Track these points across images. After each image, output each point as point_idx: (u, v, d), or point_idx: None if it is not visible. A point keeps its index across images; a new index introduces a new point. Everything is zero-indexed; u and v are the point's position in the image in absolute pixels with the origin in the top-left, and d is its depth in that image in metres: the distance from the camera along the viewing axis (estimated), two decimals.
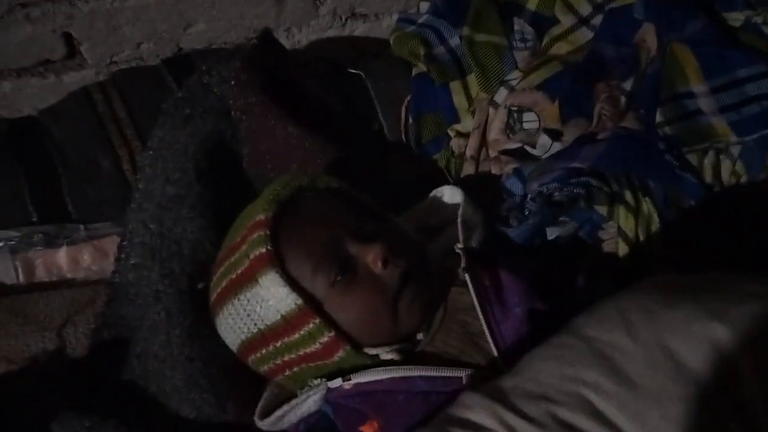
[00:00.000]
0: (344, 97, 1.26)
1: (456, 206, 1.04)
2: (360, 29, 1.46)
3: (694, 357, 0.76)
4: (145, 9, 1.30)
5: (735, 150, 1.12)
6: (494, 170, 1.19)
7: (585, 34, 1.26)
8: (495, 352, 0.90)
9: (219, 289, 0.95)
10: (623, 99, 1.17)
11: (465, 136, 1.24)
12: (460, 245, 0.98)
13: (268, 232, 0.90)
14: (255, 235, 0.90)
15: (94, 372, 1.02)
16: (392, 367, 0.89)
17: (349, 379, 0.89)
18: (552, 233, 1.10)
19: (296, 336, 0.89)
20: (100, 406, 0.97)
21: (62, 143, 1.19)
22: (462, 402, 0.82)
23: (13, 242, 1.10)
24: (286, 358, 0.91)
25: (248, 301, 0.90)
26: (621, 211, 1.08)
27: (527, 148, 1.19)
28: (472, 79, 1.27)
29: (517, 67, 1.26)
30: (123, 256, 1.06)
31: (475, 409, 0.80)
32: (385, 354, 0.90)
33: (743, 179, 1.11)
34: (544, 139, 1.17)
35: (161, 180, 1.08)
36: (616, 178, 1.09)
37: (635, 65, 1.19)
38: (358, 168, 1.13)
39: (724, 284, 0.86)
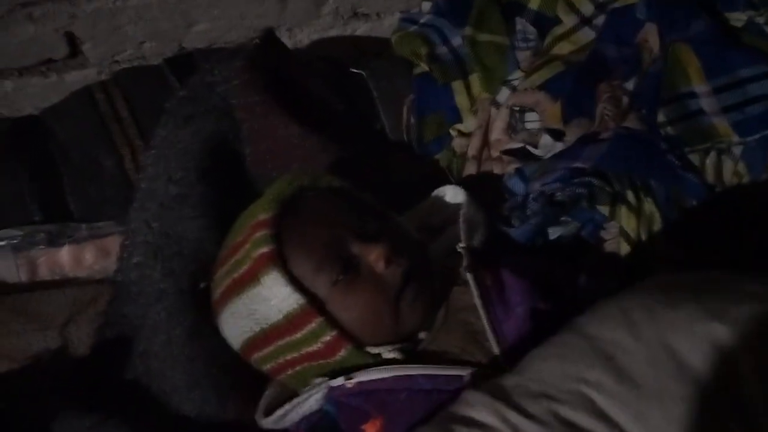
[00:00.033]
0: (346, 97, 1.26)
1: (458, 206, 1.05)
2: (362, 29, 1.46)
3: (695, 356, 0.76)
4: (148, 8, 1.30)
5: (737, 150, 1.12)
6: (496, 170, 1.19)
7: (587, 34, 1.26)
8: (497, 351, 0.90)
9: (221, 289, 0.95)
10: (625, 99, 1.17)
11: (467, 135, 1.25)
12: (462, 245, 0.98)
13: (271, 232, 0.90)
14: (257, 235, 0.90)
15: (97, 371, 1.02)
16: (394, 366, 0.89)
17: (352, 378, 0.89)
18: (554, 233, 1.10)
19: (298, 335, 0.89)
20: (102, 405, 0.97)
21: (64, 142, 1.19)
22: (464, 400, 0.82)
23: (15, 241, 1.10)
24: (288, 357, 0.91)
25: (251, 300, 0.90)
26: (623, 211, 1.08)
27: (529, 148, 1.19)
28: (475, 78, 1.27)
29: (519, 67, 1.26)
30: (125, 255, 1.06)
31: (478, 407, 0.80)
32: (388, 353, 0.91)
33: (745, 179, 1.11)
34: (546, 139, 1.17)
35: (164, 179, 1.08)
36: (618, 178, 1.09)
37: (637, 65, 1.19)
38: (360, 167, 1.13)
39: (725, 284, 0.86)
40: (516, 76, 1.25)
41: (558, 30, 1.28)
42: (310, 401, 0.91)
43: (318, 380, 0.91)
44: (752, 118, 1.12)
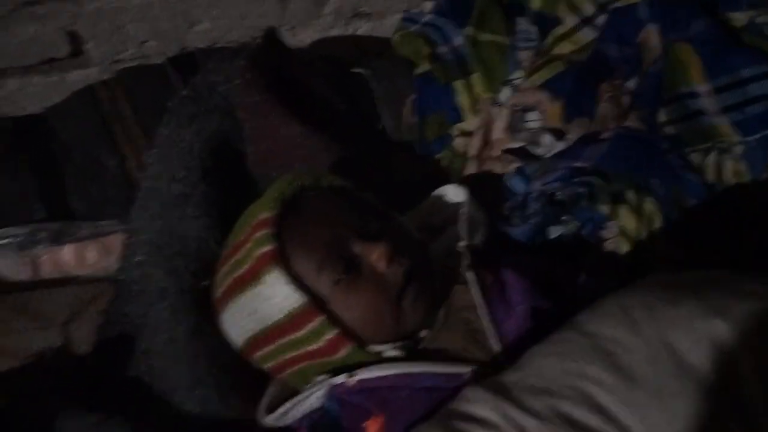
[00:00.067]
0: (348, 96, 1.27)
1: (459, 205, 1.05)
2: (363, 28, 1.46)
3: (695, 354, 0.77)
4: (150, 7, 1.31)
5: (737, 150, 1.12)
6: (497, 170, 1.19)
7: (588, 34, 1.26)
8: (497, 350, 0.91)
9: (223, 287, 0.95)
10: (626, 99, 1.17)
11: (468, 135, 1.25)
12: (463, 244, 0.99)
13: (272, 231, 0.90)
14: (259, 234, 0.91)
15: (98, 369, 1.02)
16: (396, 364, 0.90)
17: (353, 376, 0.89)
18: (554, 232, 1.10)
19: (300, 334, 0.89)
20: (103, 404, 0.97)
21: (67, 141, 1.20)
22: (465, 396, 0.83)
23: (19, 239, 1.10)
24: (290, 356, 0.91)
25: (253, 298, 0.91)
26: (623, 211, 1.08)
27: (530, 147, 1.19)
28: (476, 78, 1.27)
29: (520, 67, 1.26)
30: (128, 253, 1.06)
31: (479, 404, 0.80)
32: (389, 351, 0.91)
33: (745, 179, 1.11)
34: (547, 139, 1.18)
35: (166, 178, 1.08)
36: (619, 178, 1.09)
37: (638, 65, 1.19)
38: (361, 167, 1.13)
39: (725, 283, 0.86)
40: (517, 76, 1.25)
41: (559, 30, 1.28)
42: (312, 399, 0.92)
43: (319, 378, 0.91)
44: (753, 118, 1.12)
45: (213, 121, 1.14)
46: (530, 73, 1.24)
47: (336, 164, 1.12)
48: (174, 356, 0.98)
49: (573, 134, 1.17)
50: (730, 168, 1.12)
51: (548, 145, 1.18)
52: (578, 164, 1.10)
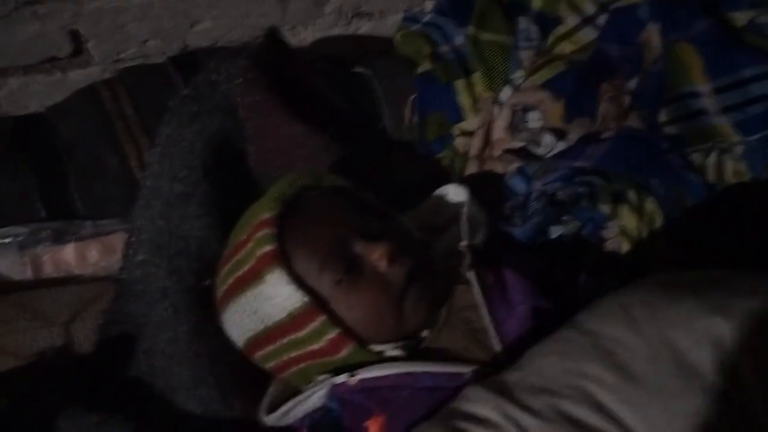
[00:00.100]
0: (349, 96, 1.27)
1: (460, 205, 1.05)
2: (365, 27, 1.46)
3: (695, 353, 0.77)
4: (151, 6, 1.30)
5: (738, 150, 1.12)
6: (498, 169, 1.20)
7: (589, 34, 1.26)
8: (498, 350, 0.91)
9: (225, 287, 0.95)
10: (627, 99, 1.17)
11: (469, 134, 1.25)
12: (464, 243, 0.99)
13: (274, 230, 0.90)
14: (261, 233, 0.91)
15: (101, 368, 1.02)
16: (397, 363, 0.90)
17: (354, 375, 0.89)
18: (555, 232, 1.10)
19: (302, 333, 0.89)
20: (105, 403, 0.97)
21: (69, 140, 1.20)
22: (466, 396, 0.83)
23: (21, 238, 1.10)
24: (291, 355, 0.92)
25: (254, 298, 0.91)
26: (624, 210, 1.08)
27: (531, 147, 1.19)
28: (477, 78, 1.27)
29: (521, 67, 1.26)
30: (130, 252, 1.07)
31: (479, 403, 0.80)
32: (390, 351, 0.91)
33: (746, 179, 1.11)
34: (548, 139, 1.18)
35: (168, 177, 1.08)
36: (620, 178, 1.09)
37: (639, 65, 1.19)
38: (362, 166, 1.13)
39: (725, 282, 0.86)
40: (518, 76, 1.25)
41: (560, 29, 1.28)
42: (313, 398, 0.92)
43: (321, 377, 0.91)
44: (753, 118, 1.12)
45: (214, 120, 1.14)
46: (531, 72, 1.24)
47: (337, 164, 1.12)
48: (175, 356, 0.99)
49: (574, 134, 1.17)
50: (731, 168, 1.12)
51: (549, 145, 1.18)
52: (579, 164, 1.10)
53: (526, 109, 1.21)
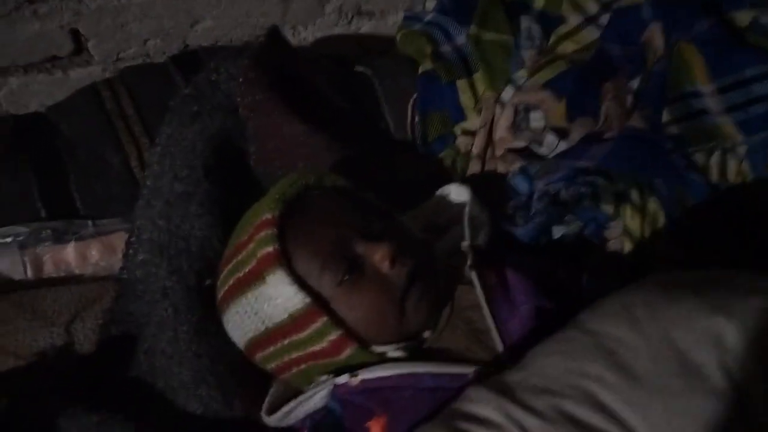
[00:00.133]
0: (351, 95, 1.26)
1: (462, 205, 1.05)
2: (366, 27, 1.46)
3: (697, 352, 0.77)
4: (152, 6, 1.31)
5: (741, 150, 1.11)
6: (500, 169, 1.19)
7: (592, 33, 1.26)
8: (501, 350, 0.91)
9: (226, 287, 0.95)
10: (629, 98, 1.17)
11: (471, 134, 1.24)
12: (466, 243, 0.98)
13: (276, 231, 0.90)
14: (262, 234, 0.90)
15: (102, 368, 1.02)
16: (399, 364, 0.90)
17: (356, 376, 0.89)
18: (557, 232, 1.10)
19: (304, 334, 0.89)
20: (106, 403, 0.97)
21: (70, 140, 1.19)
22: (468, 396, 0.83)
23: (21, 238, 1.10)
24: (293, 356, 0.91)
25: (256, 299, 0.90)
26: (627, 211, 1.08)
27: (533, 146, 1.19)
28: (479, 77, 1.27)
29: (523, 66, 1.26)
30: (131, 252, 1.06)
31: (481, 403, 0.80)
32: (392, 352, 0.91)
33: (749, 179, 1.11)
34: (550, 138, 1.18)
35: (169, 177, 1.08)
36: (622, 178, 1.09)
37: (642, 64, 1.19)
38: (364, 166, 1.13)
39: (726, 281, 0.86)
40: (520, 75, 1.25)
41: (562, 29, 1.28)
42: (315, 399, 0.92)
43: (323, 378, 0.91)
44: (756, 118, 1.12)
45: (215, 119, 1.13)
46: (533, 72, 1.24)
47: (339, 163, 1.12)
48: (176, 356, 0.98)
49: (576, 133, 1.17)
50: (734, 168, 1.12)
51: (551, 145, 1.17)
52: (582, 164, 1.10)
53: (528, 109, 1.20)
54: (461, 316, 0.95)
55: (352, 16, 1.44)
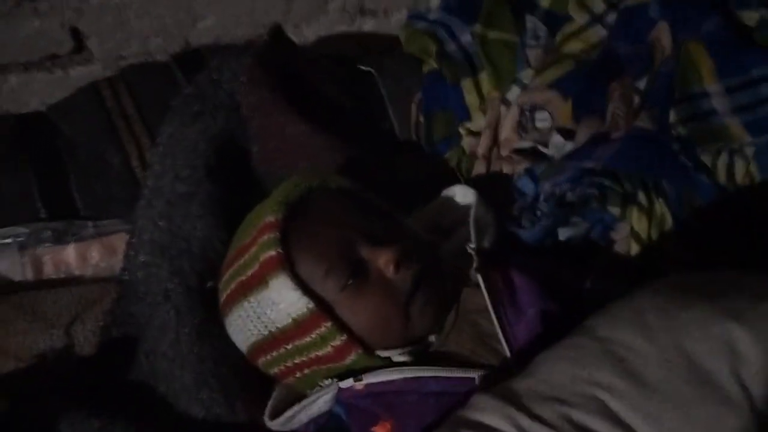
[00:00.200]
0: (354, 95, 1.26)
1: (468, 206, 1.04)
2: (369, 25, 1.46)
3: (709, 359, 0.76)
4: (154, 3, 1.30)
5: (749, 151, 1.10)
6: (506, 169, 1.18)
7: (598, 32, 1.25)
8: (507, 354, 0.90)
9: (228, 291, 0.94)
10: (636, 98, 1.16)
11: (476, 134, 1.24)
12: (472, 246, 0.97)
13: (278, 234, 0.89)
14: (265, 237, 0.89)
15: (102, 370, 1.01)
16: (404, 368, 0.89)
17: (361, 380, 0.88)
18: (564, 234, 1.09)
19: (307, 339, 0.88)
20: (107, 406, 0.96)
21: (71, 139, 1.19)
22: (474, 404, 0.81)
23: (21, 239, 1.09)
24: (296, 361, 0.90)
25: (258, 303, 0.89)
26: (634, 212, 1.07)
27: (539, 147, 1.18)
28: (484, 77, 1.26)
29: (529, 65, 1.25)
30: (132, 253, 1.05)
31: (488, 412, 0.79)
32: (397, 356, 0.90)
33: (757, 180, 1.10)
34: (556, 139, 1.17)
35: (170, 177, 1.07)
36: (630, 179, 1.08)
37: (649, 64, 1.18)
38: (367, 166, 1.12)
39: (739, 284, 0.85)
40: (526, 75, 1.24)
41: (569, 28, 1.27)
42: (319, 403, 0.91)
43: (327, 382, 0.90)
44: (764, 119, 1.11)
45: (217, 119, 1.13)
46: (539, 71, 1.23)
47: (341, 163, 1.11)
48: (177, 358, 0.97)
49: (583, 133, 1.16)
50: (742, 169, 1.11)
51: (558, 145, 1.17)
52: (588, 165, 1.09)
53: (534, 109, 1.20)
54: (467, 319, 0.94)
55: (356, 15, 1.43)
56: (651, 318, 0.80)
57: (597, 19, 1.26)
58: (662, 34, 1.18)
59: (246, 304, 0.91)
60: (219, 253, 1.01)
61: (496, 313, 0.91)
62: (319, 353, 0.88)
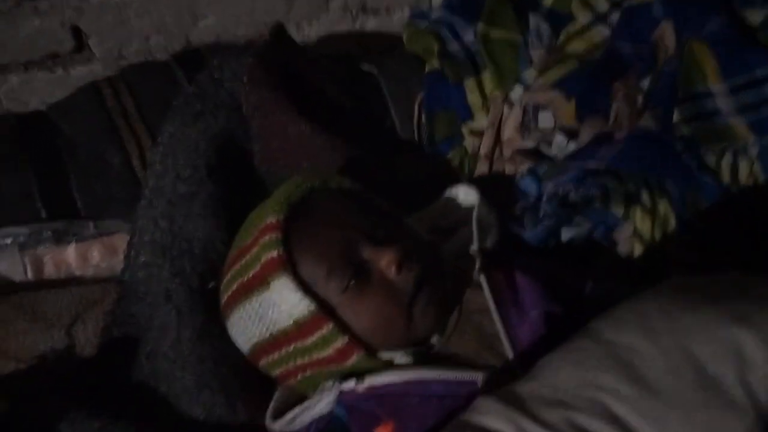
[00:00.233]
0: (356, 94, 1.25)
1: (470, 206, 1.03)
2: (371, 24, 1.45)
3: (715, 363, 0.75)
4: (154, 2, 1.30)
5: (753, 151, 1.10)
6: (508, 169, 1.18)
7: (602, 32, 1.25)
8: (510, 355, 0.89)
9: (230, 292, 0.94)
10: (640, 98, 1.16)
11: (479, 134, 1.23)
12: (475, 246, 0.97)
13: (280, 235, 0.89)
14: (266, 238, 0.89)
15: (103, 371, 1.01)
16: (406, 370, 0.88)
17: (363, 382, 0.88)
18: (567, 234, 1.09)
19: (309, 341, 0.88)
20: (107, 407, 0.96)
21: (71, 139, 1.18)
22: (477, 407, 0.81)
23: (21, 239, 1.09)
24: (298, 363, 0.90)
25: (260, 305, 0.89)
26: (637, 212, 1.07)
27: (542, 147, 1.18)
28: (487, 76, 1.25)
29: (532, 65, 1.25)
30: (132, 253, 1.05)
31: (492, 415, 0.78)
32: (400, 358, 0.89)
33: (761, 180, 1.10)
34: (559, 139, 1.16)
35: (171, 177, 1.07)
36: (633, 179, 1.08)
37: (653, 63, 1.18)
38: (369, 166, 1.12)
39: (744, 286, 0.84)
40: (529, 74, 1.24)
41: (572, 27, 1.26)
42: (321, 405, 0.90)
43: (329, 383, 0.90)
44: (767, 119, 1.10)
45: (218, 118, 1.12)
46: (542, 71, 1.22)
47: (343, 163, 1.10)
48: (182, 358, 0.97)
49: (586, 133, 1.16)
50: (746, 169, 1.11)
51: (561, 145, 1.16)
52: (591, 165, 1.08)
53: (537, 109, 1.19)
54: (470, 320, 0.93)
55: (357, 13, 1.43)
56: (656, 321, 0.79)
57: (600, 18, 1.26)
58: (666, 34, 1.18)
59: (247, 305, 0.90)
60: (220, 254, 1.01)
61: (499, 314, 0.90)
62: (321, 355, 0.88)
